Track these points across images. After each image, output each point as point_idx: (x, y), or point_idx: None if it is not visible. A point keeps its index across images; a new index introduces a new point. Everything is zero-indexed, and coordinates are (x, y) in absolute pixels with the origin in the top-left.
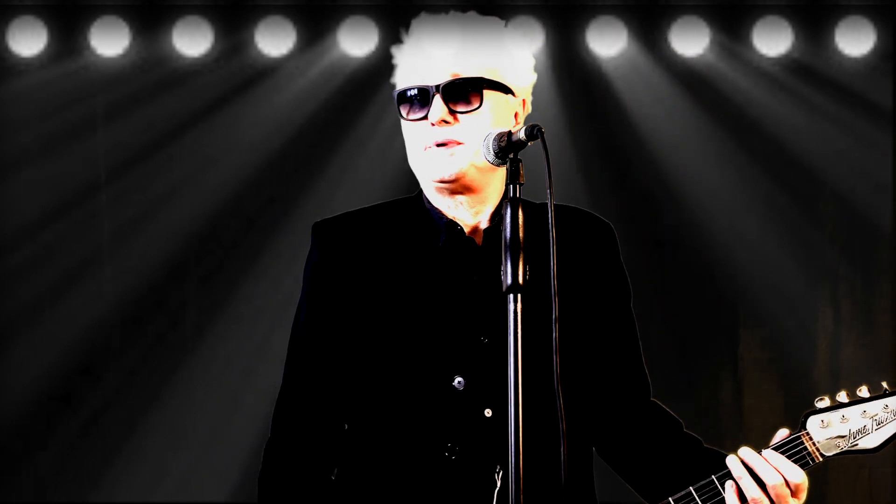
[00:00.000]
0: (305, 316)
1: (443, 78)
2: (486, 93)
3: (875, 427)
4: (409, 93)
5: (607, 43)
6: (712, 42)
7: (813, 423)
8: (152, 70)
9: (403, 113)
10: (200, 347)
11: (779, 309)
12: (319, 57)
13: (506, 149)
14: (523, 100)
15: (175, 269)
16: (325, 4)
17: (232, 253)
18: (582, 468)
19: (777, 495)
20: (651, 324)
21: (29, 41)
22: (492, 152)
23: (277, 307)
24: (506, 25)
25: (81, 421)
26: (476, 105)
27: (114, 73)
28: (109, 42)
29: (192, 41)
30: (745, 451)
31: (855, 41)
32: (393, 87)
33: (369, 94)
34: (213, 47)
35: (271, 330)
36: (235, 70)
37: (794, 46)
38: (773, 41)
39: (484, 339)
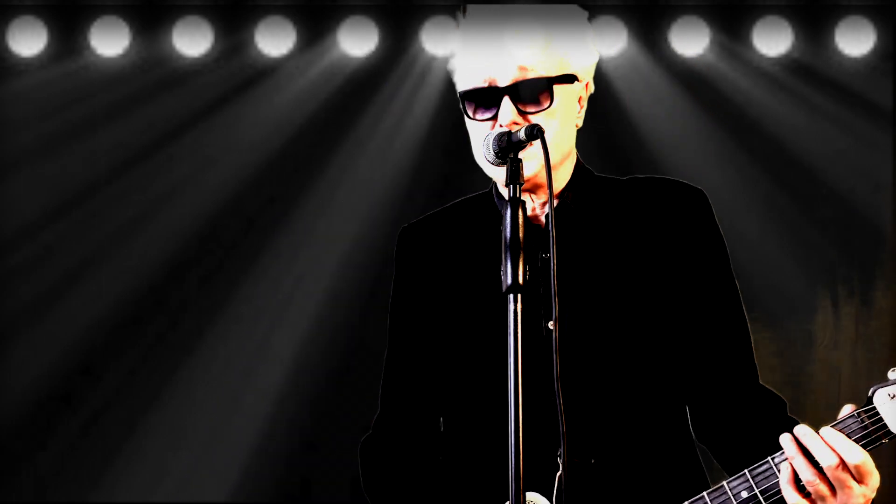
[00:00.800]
0: (397, 319)
1: (510, 76)
2: (555, 88)
3: None
4: (475, 93)
5: (607, 43)
6: (712, 42)
7: (881, 396)
8: (152, 70)
9: (469, 112)
10: (200, 347)
11: (779, 309)
12: (319, 57)
13: (506, 149)
14: (587, 83)
15: (175, 269)
16: (325, 4)
17: (232, 253)
18: (681, 451)
19: (835, 478)
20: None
21: (29, 41)
22: (492, 152)
23: (277, 307)
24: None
25: (81, 421)
26: (546, 105)
27: (114, 73)
28: (109, 42)
29: (192, 41)
30: (801, 429)
31: (855, 41)
32: (451, 73)
33: (369, 94)
34: (213, 47)
35: (271, 330)
36: (235, 70)
37: (794, 46)
38: (773, 41)
39: (550, 325)
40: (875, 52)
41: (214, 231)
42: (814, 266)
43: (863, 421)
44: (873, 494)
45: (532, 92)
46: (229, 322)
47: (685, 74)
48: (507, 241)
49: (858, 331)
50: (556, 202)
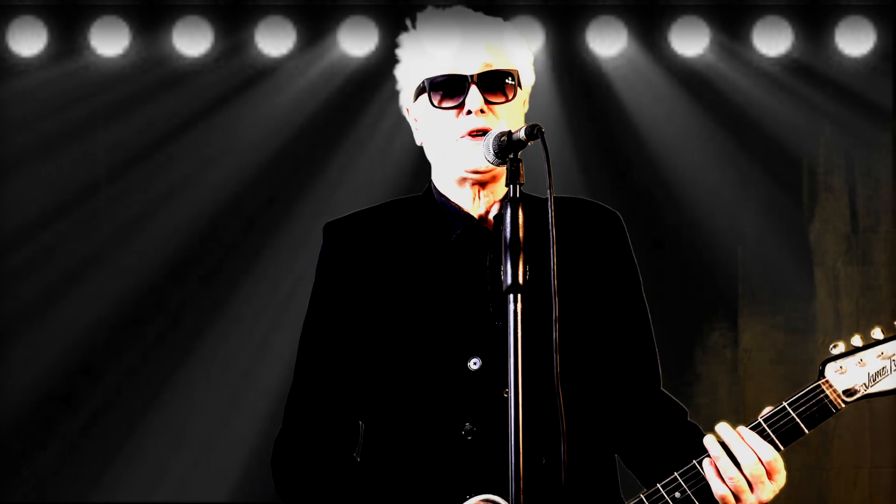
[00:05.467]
0: (318, 312)
1: (476, 67)
2: (514, 87)
3: (894, 367)
4: (442, 80)
5: (607, 43)
6: (712, 42)
7: (831, 369)
8: (152, 70)
9: (434, 101)
10: (200, 347)
11: (779, 309)
12: (319, 57)
13: (506, 149)
14: (525, 99)
15: (175, 269)
16: (325, 4)
17: (232, 253)
18: (605, 461)
19: (752, 475)
20: (650, 324)
21: (29, 41)
22: (492, 152)
23: (277, 307)
24: (505, 20)
25: (81, 421)
26: (511, 97)
27: (114, 73)
28: (109, 42)
29: (192, 41)
30: (722, 428)
31: (855, 41)
32: (395, 80)
33: (369, 94)
34: (213, 47)
35: (271, 330)
36: (235, 70)
37: (794, 46)
38: (773, 41)
39: (498, 324)
40: (875, 52)
41: (214, 231)
42: (814, 266)
43: (819, 393)
44: (778, 490)
45: (498, 83)
46: (229, 322)
47: (685, 74)
48: (507, 241)
49: (859, 330)
50: (498, 206)
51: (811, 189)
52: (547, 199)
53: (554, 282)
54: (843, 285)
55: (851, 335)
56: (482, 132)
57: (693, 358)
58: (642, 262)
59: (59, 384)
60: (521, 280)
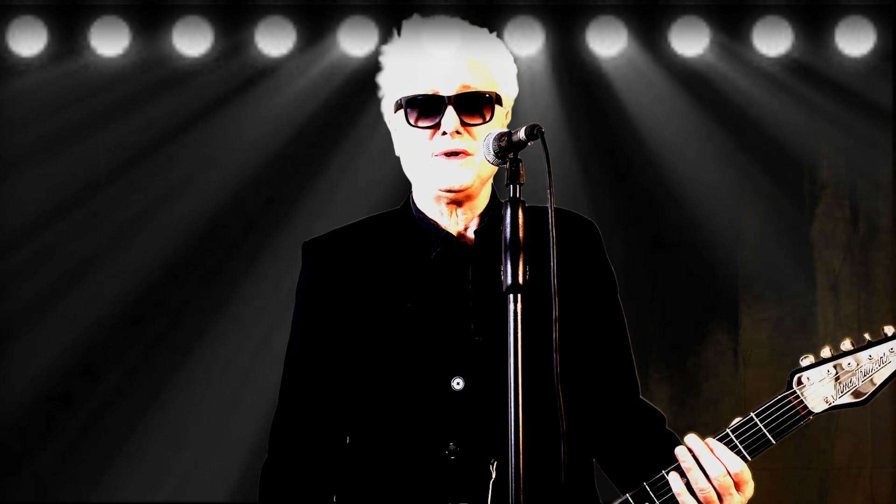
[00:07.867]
0: (300, 334)
1: (454, 88)
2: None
3: (862, 379)
4: (419, 99)
5: (607, 43)
6: (712, 42)
7: (799, 381)
8: (152, 70)
9: (411, 119)
10: (200, 347)
11: (779, 309)
12: (319, 57)
13: (506, 149)
14: (507, 111)
15: (175, 269)
16: (325, 4)
17: (232, 253)
18: (582, 465)
19: (720, 486)
20: (650, 324)
21: (29, 41)
22: (492, 152)
23: (277, 307)
24: (491, 33)
25: (81, 421)
26: (489, 118)
27: (114, 73)
28: (109, 42)
29: (192, 41)
30: (692, 439)
31: (855, 41)
32: (380, 86)
33: (369, 94)
34: (213, 47)
35: (271, 330)
36: (235, 70)
37: (794, 46)
38: (773, 41)
39: (478, 339)
40: (875, 52)
41: (214, 231)
42: (814, 266)
43: (786, 404)
44: (745, 502)
45: (475, 104)
46: (229, 322)
47: (685, 74)
48: (507, 241)
49: (859, 331)
50: (477, 221)
51: (811, 189)
52: (536, 207)
53: (554, 282)
54: (843, 285)
55: (851, 335)
56: (456, 153)
57: (693, 358)
58: (642, 262)
59: (59, 384)
60: (521, 280)
